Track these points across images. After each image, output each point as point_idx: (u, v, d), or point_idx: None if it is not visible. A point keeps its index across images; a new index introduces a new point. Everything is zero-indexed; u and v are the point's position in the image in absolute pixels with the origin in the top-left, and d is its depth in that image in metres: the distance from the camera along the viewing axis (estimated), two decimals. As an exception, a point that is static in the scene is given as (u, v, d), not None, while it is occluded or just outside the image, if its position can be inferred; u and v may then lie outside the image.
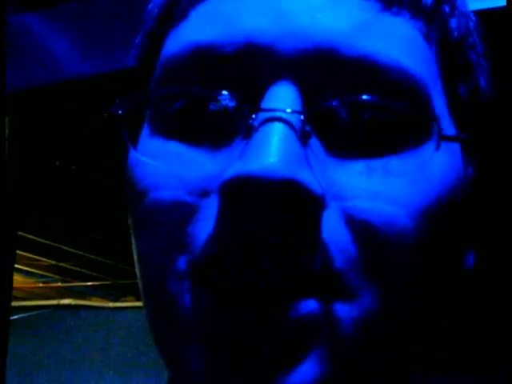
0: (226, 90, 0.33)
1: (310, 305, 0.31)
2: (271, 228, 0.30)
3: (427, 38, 0.35)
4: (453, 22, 0.37)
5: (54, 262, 4.84)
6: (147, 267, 0.35)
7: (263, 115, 0.32)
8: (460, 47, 0.37)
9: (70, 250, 4.44)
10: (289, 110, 0.31)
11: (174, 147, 0.34)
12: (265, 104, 0.32)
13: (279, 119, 0.31)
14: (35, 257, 4.64)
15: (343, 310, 0.31)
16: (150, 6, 0.40)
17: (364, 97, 0.32)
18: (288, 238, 0.30)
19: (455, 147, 0.36)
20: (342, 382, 0.32)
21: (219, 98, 0.34)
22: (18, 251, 3.90)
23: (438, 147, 0.34)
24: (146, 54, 0.39)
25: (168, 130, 0.35)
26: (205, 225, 0.32)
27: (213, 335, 0.31)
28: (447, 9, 0.37)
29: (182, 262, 0.32)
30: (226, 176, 0.30)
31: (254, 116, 0.32)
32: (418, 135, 0.33)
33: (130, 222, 0.37)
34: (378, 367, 0.33)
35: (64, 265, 4.89)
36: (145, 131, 0.36)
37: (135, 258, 0.36)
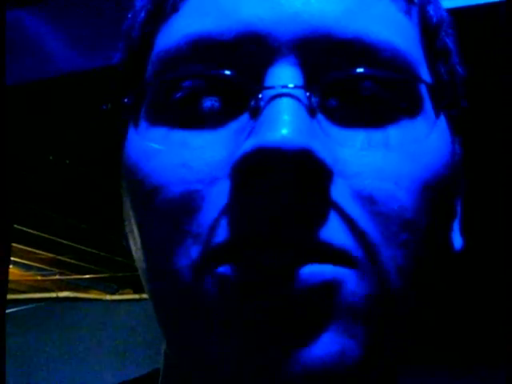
0: (228, 70, 0.34)
1: (332, 270, 0.31)
2: (289, 202, 0.31)
3: (410, 20, 0.37)
4: (430, 9, 0.39)
5: (52, 256, 4.85)
6: (158, 259, 0.34)
7: (270, 92, 0.32)
8: (438, 32, 0.39)
9: (67, 243, 4.45)
10: (293, 85, 0.32)
11: (178, 136, 0.34)
12: (268, 82, 0.33)
13: (287, 95, 0.32)
14: (33, 250, 4.65)
15: (363, 283, 0.32)
16: (134, 7, 0.41)
17: (361, 70, 0.33)
18: (305, 212, 0.31)
19: (444, 125, 0.37)
20: (360, 355, 0.32)
21: (220, 78, 0.34)
22: (16, 245, 3.93)
23: (437, 114, 0.36)
24: (134, 54, 0.40)
25: (169, 120, 0.35)
26: (216, 212, 0.32)
27: (237, 318, 0.31)
28: None
29: (194, 252, 0.32)
30: (241, 152, 0.30)
31: (260, 95, 0.32)
32: (413, 107, 0.35)
33: (132, 213, 0.36)
34: (392, 342, 0.34)
35: (62, 258, 4.90)
36: (142, 125, 0.36)
37: (139, 250, 0.36)
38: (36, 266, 5.14)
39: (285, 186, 0.30)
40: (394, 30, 0.35)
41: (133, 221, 0.36)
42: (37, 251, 4.65)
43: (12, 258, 3.49)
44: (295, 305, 0.30)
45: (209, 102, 0.34)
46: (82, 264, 4.99)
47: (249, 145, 0.30)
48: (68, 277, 5.44)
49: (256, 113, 0.32)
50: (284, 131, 0.30)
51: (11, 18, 2.05)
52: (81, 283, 5.56)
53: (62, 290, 5.65)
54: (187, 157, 0.33)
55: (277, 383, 0.31)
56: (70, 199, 3.42)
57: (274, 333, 0.31)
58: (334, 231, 0.31)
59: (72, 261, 4.92)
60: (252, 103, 0.33)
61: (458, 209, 0.41)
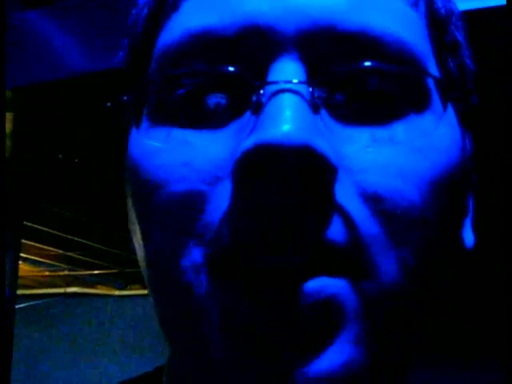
0: (231, 66, 0.33)
1: (336, 284, 0.30)
2: (291, 200, 0.30)
3: (417, 12, 0.36)
4: (438, 1, 0.38)
5: (61, 252, 4.88)
6: (159, 260, 0.34)
7: (272, 88, 0.31)
8: (446, 25, 0.38)
9: (76, 239, 4.48)
10: (295, 81, 0.31)
11: (180, 134, 0.34)
12: (271, 77, 0.32)
13: (289, 90, 0.31)
14: (43, 246, 4.68)
15: (367, 288, 0.31)
16: (138, 4, 0.41)
17: (367, 63, 0.33)
18: (308, 211, 0.30)
19: (453, 119, 0.36)
20: (367, 363, 0.31)
21: (223, 75, 0.33)
22: (25, 241, 3.96)
23: (445, 108, 0.35)
24: (137, 51, 0.40)
25: (171, 118, 0.35)
26: (219, 212, 0.31)
27: (237, 322, 0.31)
28: None
29: (197, 253, 0.32)
30: (241, 150, 0.30)
31: (262, 91, 0.32)
32: (421, 101, 0.34)
33: (134, 213, 0.36)
34: (401, 344, 0.34)
35: (71, 254, 4.93)
36: (144, 124, 0.36)
37: (141, 249, 0.36)
38: (45, 262, 5.17)
39: (286, 185, 0.30)
40: (401, 23, 0.34)
41: (134, 219, 0.36)
42: (45, 247, 4.68)
43: (21, 254, 3.52)
44: (299, 314, 0.30)
45: (214, 99, 0.34)
46: (91, 260, 5.01)
47: (249, 142, 0.30)
48: (77, 273, 5.46)
49: (258, 109, 0.32)
50: (285, 127, 0.29)
51: (24, 20, 2.07)
52: (89, 279, 5.57)
53: (70, 285, 5.66)
54: (189, 156, 0.33)
55: None
56: (79, 196, 3.44)
57: (278, 343, 0.30)
58: (337, 233, 0.30)
59: (80, 257, 4.95)
60: (254, 99, 0.32)
61: (470, 205, 0.40)
